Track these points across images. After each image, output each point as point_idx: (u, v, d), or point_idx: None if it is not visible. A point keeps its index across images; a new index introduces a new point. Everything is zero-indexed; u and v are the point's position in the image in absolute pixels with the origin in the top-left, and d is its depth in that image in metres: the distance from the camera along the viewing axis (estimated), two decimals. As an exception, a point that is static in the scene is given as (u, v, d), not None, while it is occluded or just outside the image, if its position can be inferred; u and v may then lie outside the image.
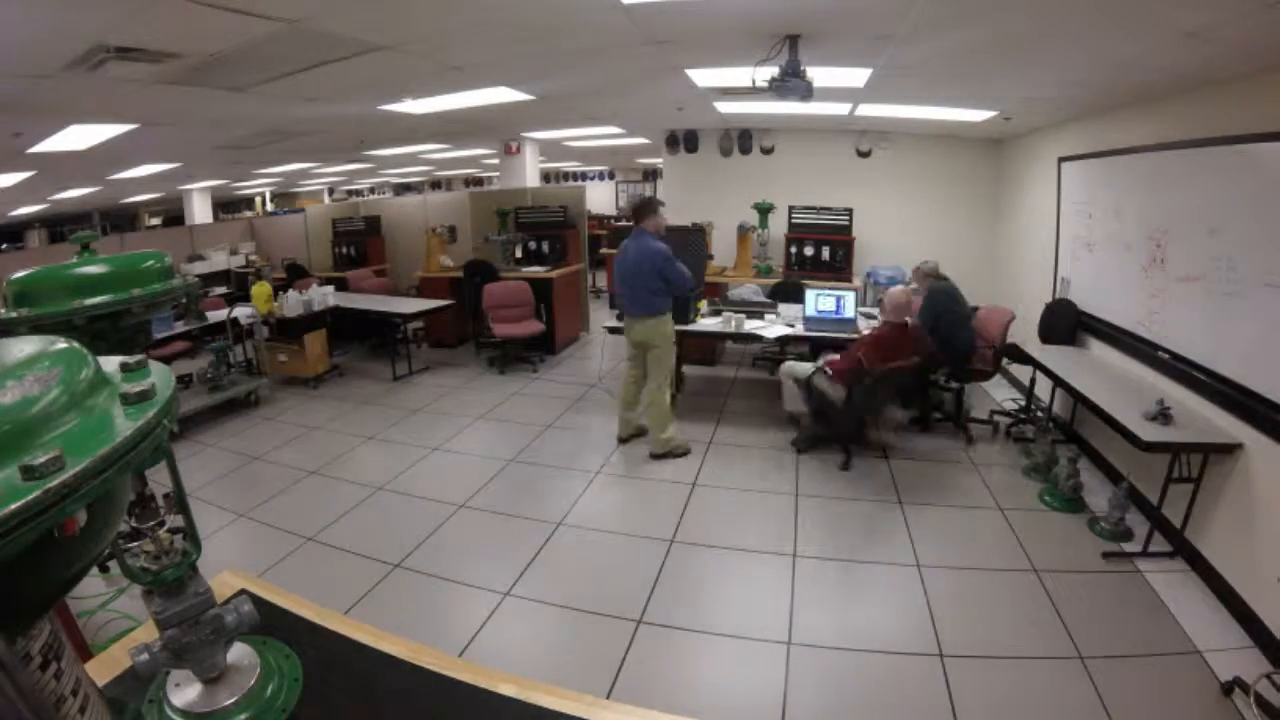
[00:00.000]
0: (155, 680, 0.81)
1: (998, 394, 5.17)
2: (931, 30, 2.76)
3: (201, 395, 5.04)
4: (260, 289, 5.72)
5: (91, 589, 2.61)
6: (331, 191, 16.89)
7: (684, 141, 7.00)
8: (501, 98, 4.54)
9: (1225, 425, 2.79)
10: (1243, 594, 2.55)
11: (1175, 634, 2.48)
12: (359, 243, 8.31)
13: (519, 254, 7.00)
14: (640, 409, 4.23)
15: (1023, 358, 4.24)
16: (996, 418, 4.59)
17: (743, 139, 6.80)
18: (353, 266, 8.01)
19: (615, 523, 3.38)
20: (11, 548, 0.37)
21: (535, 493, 3.70)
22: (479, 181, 15.67)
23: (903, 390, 4.18)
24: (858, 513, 3.45)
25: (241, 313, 5.58)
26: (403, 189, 16.54)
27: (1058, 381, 3.69)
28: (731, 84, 3.97)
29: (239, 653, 0.86)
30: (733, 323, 4.63)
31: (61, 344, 0.54)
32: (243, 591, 1.03)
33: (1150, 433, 2.79)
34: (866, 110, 5.11)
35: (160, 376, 0.59)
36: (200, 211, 11.26)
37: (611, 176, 15.93)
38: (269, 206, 16.01)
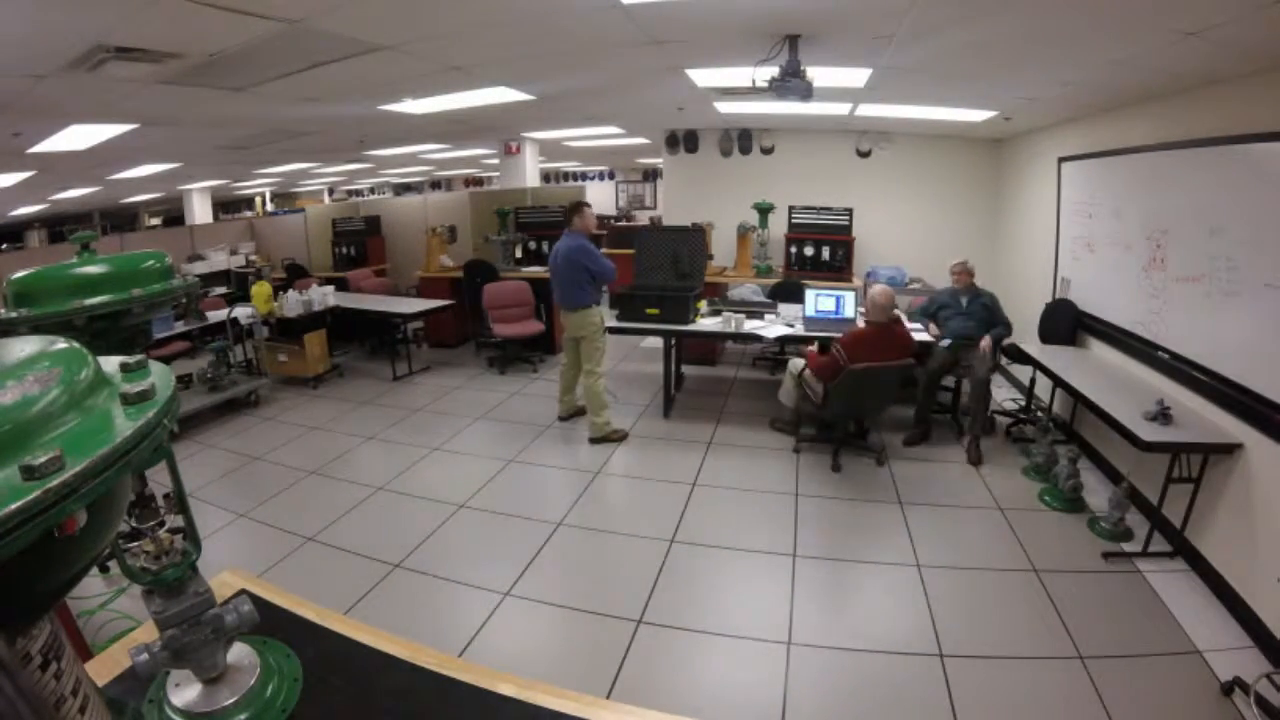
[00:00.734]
0: (155, 680, 0.81)
1: (998, 394, 5.17)
2: (931, 30, 2.76)
3: (201, 395, 5.04)
4: (260, 289, 5.71)
5: (91, 589, 2.62)
6: (331, 191, 16.89)
7: (684, 141, 7.00)
8: (502, 98, 4.54)
9: (1225, 425, 2.79)
10: (1243, 594, 2.55)
11: (1175, 634, 2.48)
12: (359, 243, 8.32)
13: (519, 254, 7.02)
14: (578, 394, 4.55)
15: (1023, 358, 4.24)
16: (997, 417, 4.59)
17: (743, 139, 6.79)
18: (353, 266, 8.02)
19: (615, 522, 3.38)
20: (11, 548, 0.37)
21: (535, 493, 3.71)
22: (479, 181, 15.66)
23: (905, 383, 4.16)
24: (858, 513, 3.45)
25: (241, 313, 5.59)
26: (403, 189, 16.53)
27: (1058, 381, 3.70)
28: (731, 84, 3.98)
29: (239, 653, 0.86)
30: (732, 323, 4.63)
31: (61, 344, 0.54)
32: (243, 591, 1.03)
33: (1150, 433, 2.79)
34: (866, 110, 5.11)
35: (160, 376, 0.59)
36: (200, 211, 11.26)
37: (611, 176, 15.91)
38: (269, 206, 16.00)
